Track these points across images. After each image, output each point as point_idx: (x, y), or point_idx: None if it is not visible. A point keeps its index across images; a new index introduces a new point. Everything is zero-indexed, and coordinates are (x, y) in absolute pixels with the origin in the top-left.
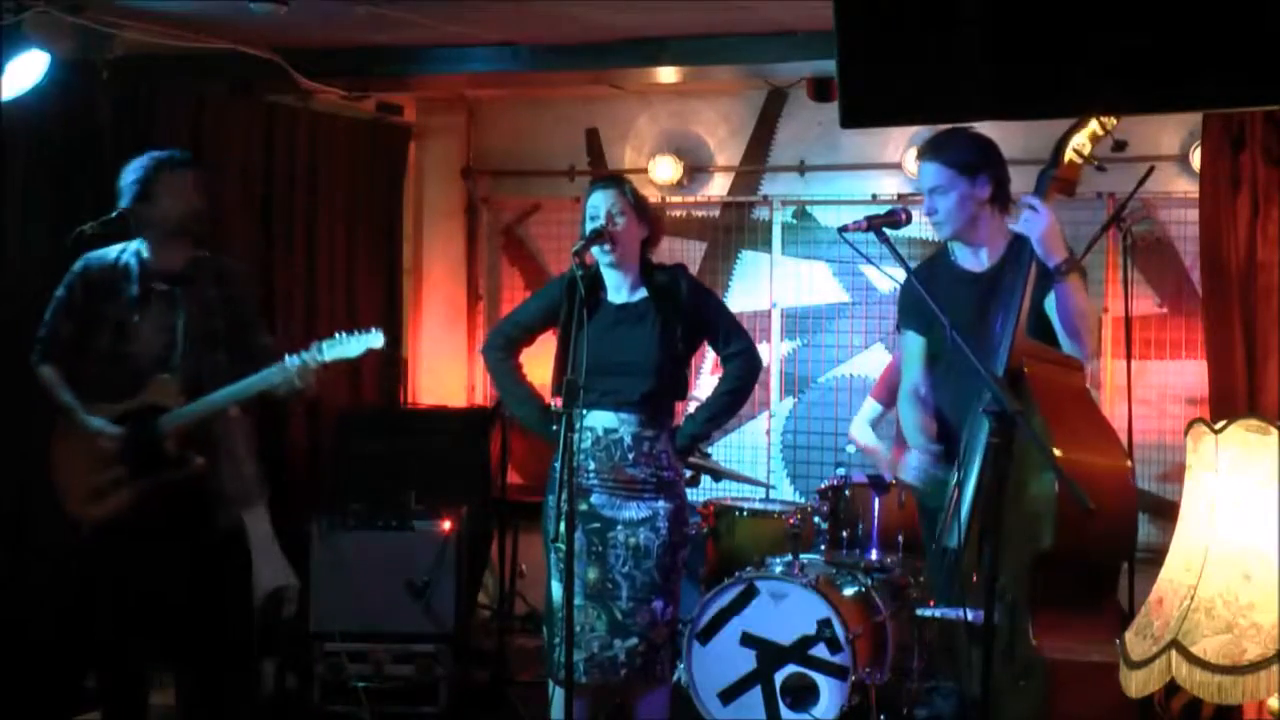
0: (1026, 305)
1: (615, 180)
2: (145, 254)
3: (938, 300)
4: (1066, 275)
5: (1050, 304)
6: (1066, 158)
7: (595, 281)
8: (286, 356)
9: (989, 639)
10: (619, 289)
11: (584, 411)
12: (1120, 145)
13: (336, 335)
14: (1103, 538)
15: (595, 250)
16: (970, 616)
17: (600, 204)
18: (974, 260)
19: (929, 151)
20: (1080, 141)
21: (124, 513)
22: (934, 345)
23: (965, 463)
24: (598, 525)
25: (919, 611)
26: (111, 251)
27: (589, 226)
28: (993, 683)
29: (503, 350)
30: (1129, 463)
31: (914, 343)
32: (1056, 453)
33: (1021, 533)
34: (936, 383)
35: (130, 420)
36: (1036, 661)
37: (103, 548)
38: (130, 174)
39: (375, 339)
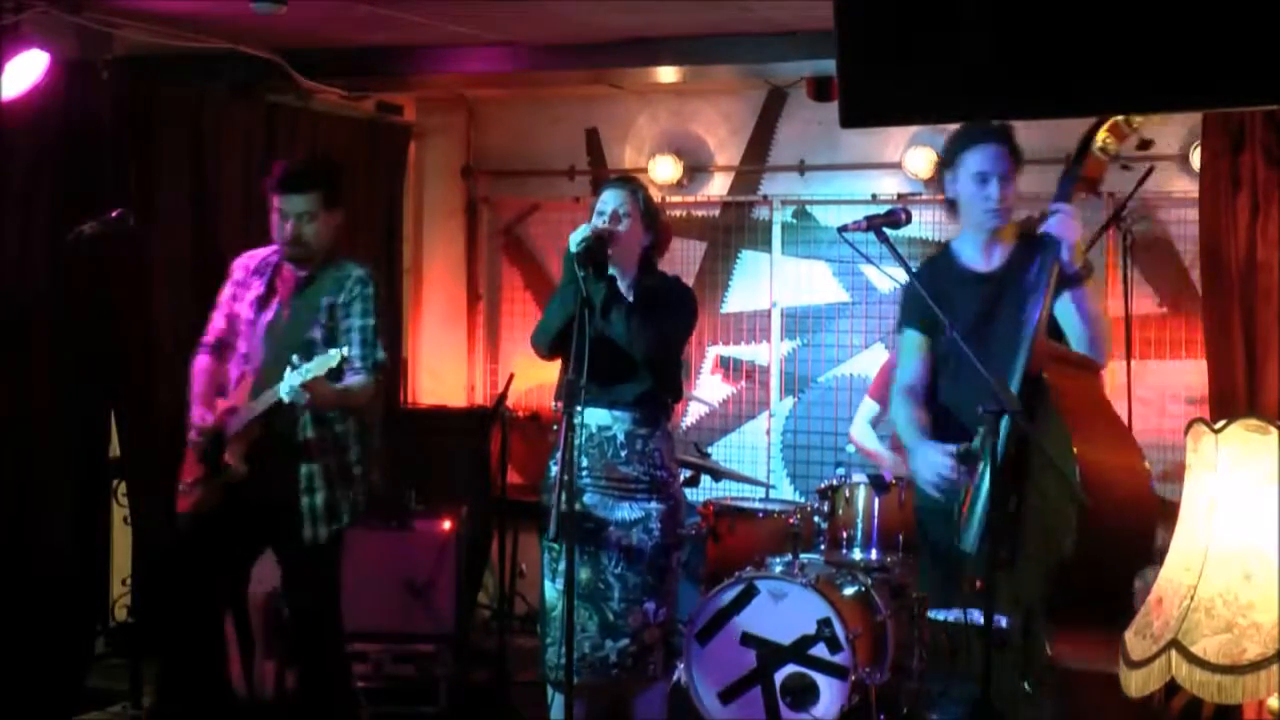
0: (1047, 309)
1: (628, 182)
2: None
3: (942, 300)
4: (1085, 280)
5: (1063, 308)
6: (1091, 156)
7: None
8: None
9: (988, 641)
10: (618, 289)
11: (581, 408)
12: (1146, 144)
13: (316, 355)
14: (1123, 542)
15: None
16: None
17: (609, 203)
18: (982, 260)
19: (999, 135)
20: (1104, 138)
21: (205, 510)
22: (940, 345)
23: (981, 464)
24: (590, 526)
25: (931, 613)
26: (267, 249)
27: (596, 223)
28: (1006, 690)
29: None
30: (1147, 466)
31: (914, 341)
32: (1076, 455)
33: (1041, 541)
34: (945, 383)
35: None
36: (1054, 672)
37: (187, 539)
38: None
39: (332, 359)
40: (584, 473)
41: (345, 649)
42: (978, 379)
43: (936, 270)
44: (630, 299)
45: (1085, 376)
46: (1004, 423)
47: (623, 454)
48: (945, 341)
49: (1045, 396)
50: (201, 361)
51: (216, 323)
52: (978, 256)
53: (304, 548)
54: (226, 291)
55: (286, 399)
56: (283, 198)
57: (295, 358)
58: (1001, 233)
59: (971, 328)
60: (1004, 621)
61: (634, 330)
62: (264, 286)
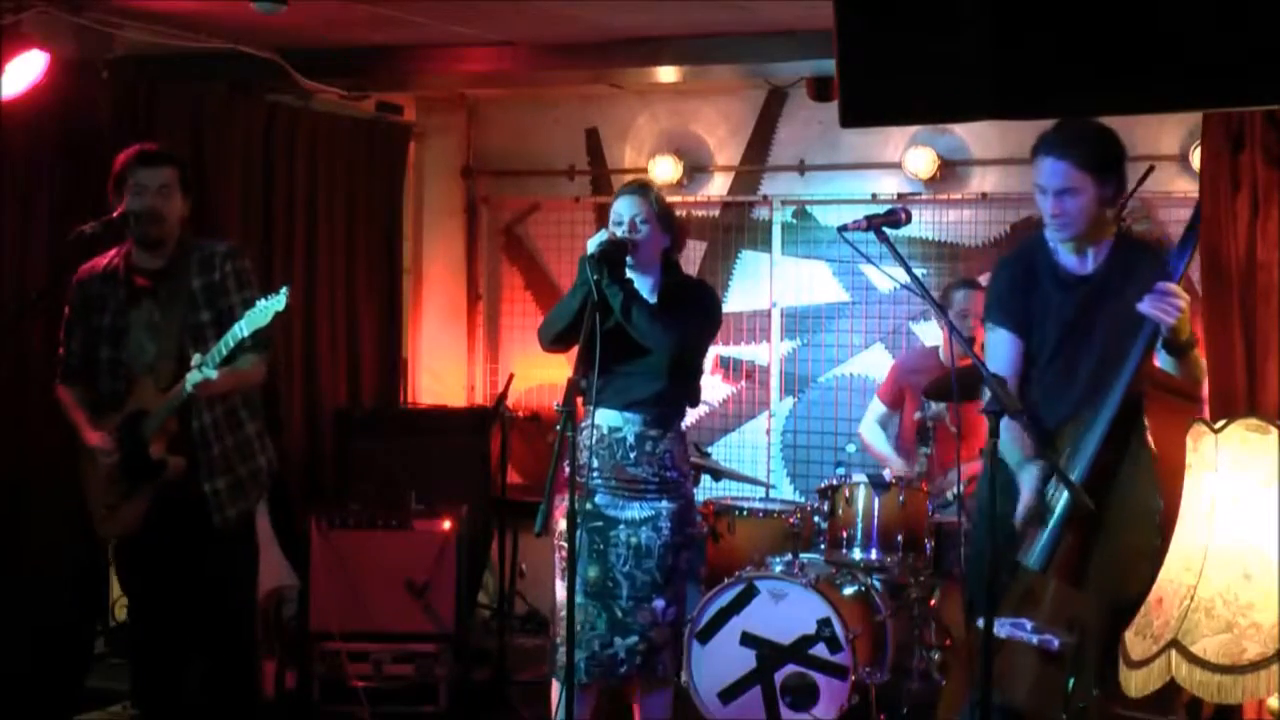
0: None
1: (642, 187)
2: (131, 253)
3: (1040, 300)
4: (1190, 352)
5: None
6: None
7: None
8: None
9: (987, 647)
10: (640, 291)
11: (593, 409)
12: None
13: (256, 304)
14: None
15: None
16: (1037, 640)
17: (625, 211)
18: (1078, 262)
19: (1061, 148)
20: None
21: (138, 524)
22: (1032, 347)
23: (1062, 478)
24: (600, 524)
25: (979, 623)
26: (104, 257)
27: (615, 232)
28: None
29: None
30: None
31: (1004, 340)
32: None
33: (1109, 574)
34: (1031, 386)
35: (120, 430)
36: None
37: (128, 561)
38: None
39: (279, 301)
40: (594, 473)
41: (257, 645)
42: (1066, 388)
43: (1035, 267)
44: (654, 300)
45: (1183, 405)
46: (1091, 440)
47: (632, 455)
48: (1037, 343)
49: (1137, 422)
50: (67, 390)
51: (72, 348)
52: (1072, 258)
53: (216, 535)
54: (74, 313)
55: (199, 380)
56: (142, 171)
57: (197, 356)
58: (1088, 236)
59: (1067, 331)
60: (1055, 643)
61: (657, 330)
62: (125, 291)
